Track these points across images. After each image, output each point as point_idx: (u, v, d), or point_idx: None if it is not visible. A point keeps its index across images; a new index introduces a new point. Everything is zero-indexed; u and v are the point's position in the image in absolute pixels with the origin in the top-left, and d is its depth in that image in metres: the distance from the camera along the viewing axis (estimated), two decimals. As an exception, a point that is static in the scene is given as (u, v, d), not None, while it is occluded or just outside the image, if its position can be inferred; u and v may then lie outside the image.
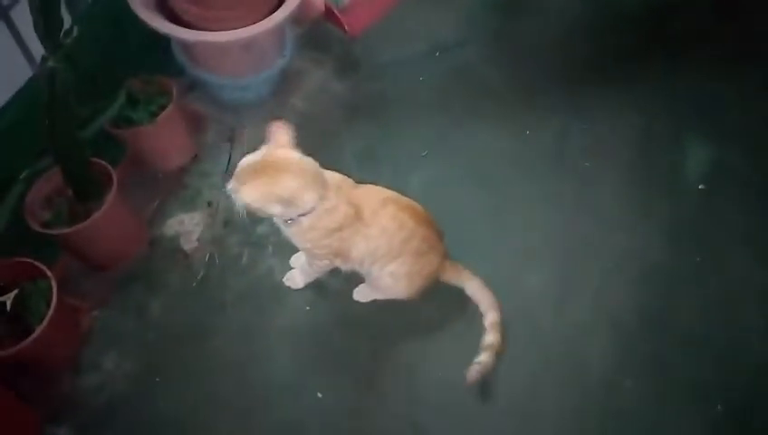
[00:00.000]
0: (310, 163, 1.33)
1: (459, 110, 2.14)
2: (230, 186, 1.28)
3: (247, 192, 1.26)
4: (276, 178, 1.26)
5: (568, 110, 2.14)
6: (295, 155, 1.31)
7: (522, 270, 1.78)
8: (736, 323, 1.70)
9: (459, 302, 1.67)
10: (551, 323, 1.69)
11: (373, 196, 1.46)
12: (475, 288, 1.61)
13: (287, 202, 1.27)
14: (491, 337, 1.53)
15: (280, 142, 1.31)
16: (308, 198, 1.30)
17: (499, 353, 1.53)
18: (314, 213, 1.35)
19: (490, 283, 1.66)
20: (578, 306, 1.72)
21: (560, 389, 1.59)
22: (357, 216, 1.41)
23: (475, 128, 2.09)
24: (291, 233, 1.43)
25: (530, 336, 1.66)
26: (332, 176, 1.41)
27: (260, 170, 1.27)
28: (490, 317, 1.56)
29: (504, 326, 1.57)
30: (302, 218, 1.36)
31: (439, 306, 1.68)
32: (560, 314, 1.70)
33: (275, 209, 1.29)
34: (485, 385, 1.56)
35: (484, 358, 1.50)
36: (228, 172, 1.72)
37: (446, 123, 2.10)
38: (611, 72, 2.26)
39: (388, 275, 1.51)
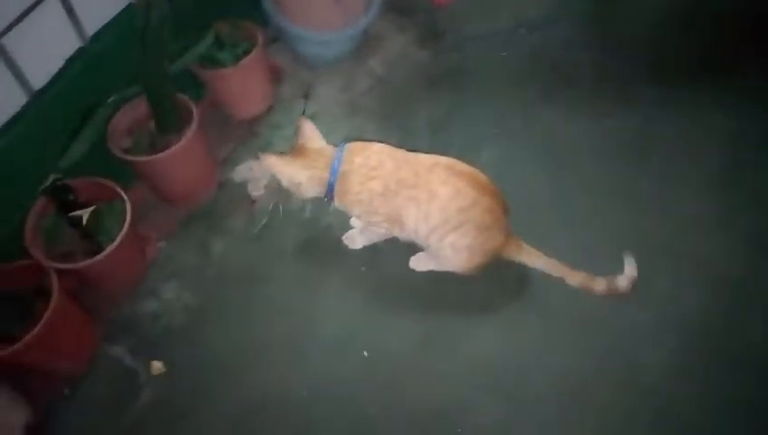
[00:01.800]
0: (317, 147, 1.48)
1: (538, 90, 2.08)
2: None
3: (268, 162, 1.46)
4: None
5: (653, 103, 2.03)
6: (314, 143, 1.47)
7: (585, 264, 1.69)
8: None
9: (518, 284, 1.64)
10: (611, 323, 1.61)
11: (420, 161, 1.45)
12: (543, 262, 1.53)
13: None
14: (600, 283, 1.50)
15: (306, 133, 1.47)
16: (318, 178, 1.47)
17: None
18: (336, 179, 1.44)
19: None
20: (641, 308, 1.63)
21: (612, 390, 1.52)
22: (398, 180, 1.42)
23: (551, 110, 2.02)
24: (337, 204, 1.51)
25: (588, 331, 1.60)
26: (366, 145, 1.47)
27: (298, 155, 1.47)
28: (575, 278, 1.51)
29: (563, 317, 1.52)
30: (333, 191, 1.47)
31: (497, 286, 1.64)
32: (620, 313, 1.62)
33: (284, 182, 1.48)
34: (530, 373, 1.52)
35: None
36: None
37: (523, 102, 2.04)
38: (703, 69, 2.13)
39: (449, 246, 1.48)
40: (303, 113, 1.94)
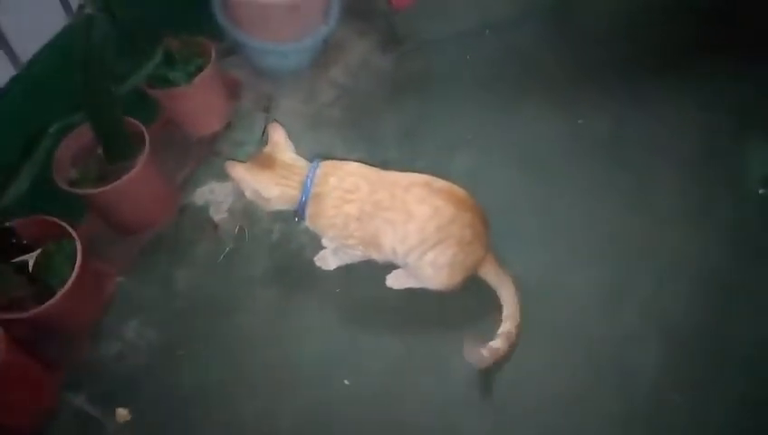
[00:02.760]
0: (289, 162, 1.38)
1: (508, 92, 2.03)
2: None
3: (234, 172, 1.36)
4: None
5: (626, 99, 2.01)
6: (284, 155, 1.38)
7: (568, 268, 1.67)
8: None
9: (497, 299, 1.57)
10: (598, 328, 1.58)
11: (395, 181, 1.38)
12: (506, 292, 1.50)
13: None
14: (499, 343, 1.44)
15: (275, 141, 1.39)
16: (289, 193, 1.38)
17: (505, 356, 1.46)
18: (309, 200, 1.37)
19: (533, 280, 1.58)
20: (627, 311, 1.60)
21: (606, 398, 1.48)
22: (374, 202, 1.35)
23: (523, 112, 1.97)
24: (310, 226, 1.44)
25: (575, 340, 1.56)
26: (340, 164, 1.41)
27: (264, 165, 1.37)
28: (507, 326, 1.47)
29: (548, 325, 1.47)
30: (306, 209, 1.39)
31: (477, 299, 1.57)
32: (608, 318, 1.59)
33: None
34: (517, 386, 1.47)
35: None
36: (263, 142, 1.64)
37: (494, 106, 1.99)
38: (675, 63, 2.12)
39: (429, 265, 1.42)
40: (264, 131, 1.84)
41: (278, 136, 1.39)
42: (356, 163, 1.41)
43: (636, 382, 1.51)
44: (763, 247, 1.73)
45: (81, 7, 1.28)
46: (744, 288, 1.65)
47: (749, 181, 1.86)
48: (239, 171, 1.35)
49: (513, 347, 1.46)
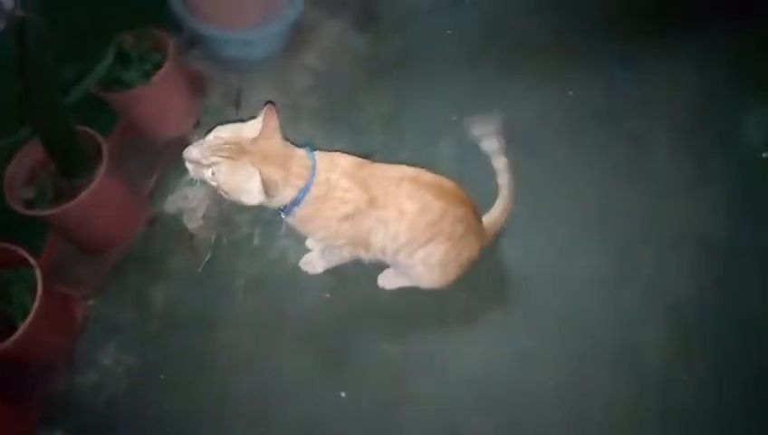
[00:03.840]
0: (285, 152, 1.16)
1: (493, 66, 1.91)
2: (200, 155, 1.11)
3: (220, 171, 1.11)
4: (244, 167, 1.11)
5: (616, 64, 1.91)
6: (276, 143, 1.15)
7: (567, 250, 1.60)
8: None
9: (495, 285, 1.52)
10: (602, 312, 1.51)
11: (385, 176, 1.25)
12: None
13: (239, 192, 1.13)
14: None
15: (269, 127, 1.14)
16: (286, 192, 1.17)
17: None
18: (304, 203, 1.19)
19: (531, 265, 1.53)
20: (630, 292, 1.54)
21: (613, 383, 1.42)
22: (368, 199, 1.22)
23: (511, 86, 1.86)
24: (293, 225, 1.27)
25: (579, 324, 1.50)
26: (331, 158, 1.23)
27: (238, 151, 1.11)
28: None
29: (551, 313, 1.42)
30: (295, 209, 1.20)
31: (474, 292, 1.51)
32: (611, 301, 1.53)
33: (251, 201, 1.15)
34: (525, 376, 1.41)
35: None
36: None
37: (479, 82, 1.88)
38: (667, 21, 2.01)
39: (420, 264, 1.33)
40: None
41: (273, 122, 1.15)
42: (349, 157, 1.26)
43: (643, 366, 1.45)
44: (766, 213, 1.65)
45: (13, 9, 1.14)
46: (748, 258, 1.58)
47: (749, 145, 1.78)
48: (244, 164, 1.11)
49: None
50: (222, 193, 1.15)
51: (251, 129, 1.14)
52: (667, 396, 1.41)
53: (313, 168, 1.18)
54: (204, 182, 1.15)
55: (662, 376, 1.43)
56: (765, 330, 1.48)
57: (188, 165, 1.14)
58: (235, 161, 1.10)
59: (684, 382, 1.42)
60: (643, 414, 1.39)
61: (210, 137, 1.14)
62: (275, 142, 1.15)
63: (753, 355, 1.44)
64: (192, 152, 1.12)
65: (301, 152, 1.19)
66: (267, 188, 1.11)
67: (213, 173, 1.11)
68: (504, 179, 1.44)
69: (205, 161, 1.11)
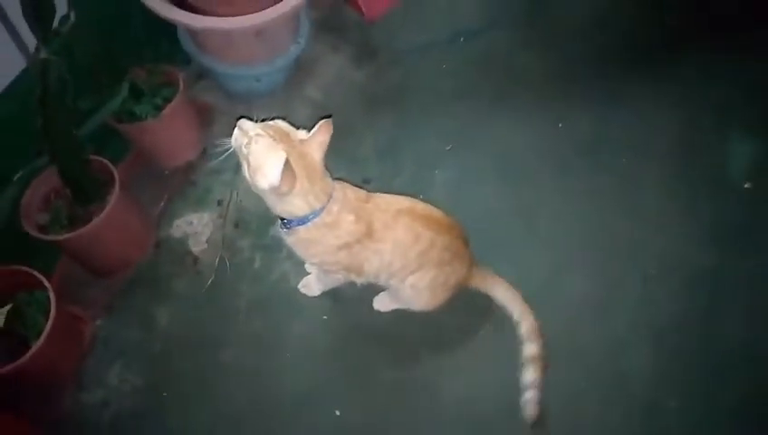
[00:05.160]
0: (318, 169, 1.21)
1: (486, 100, 2.00)
2: (250, 128, 1.16)
3: (257, 144, 1.14)
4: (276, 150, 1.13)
5: (604, 99, 1.99)
6: (317, 155, 1.20)
7: (556, 276, 1.65)
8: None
9: (485, 310, 1.56)
10: (589, 336, 1.56)
11: (385, 208, 1.31)
12: (504, 294, 1.49)
13: (273, 180, 1.12)
14: (532, 347, 1.41)
15: (318, 139, 1.19)
16: (296, 203, 1.20)
17: (545, 366, 1.40)
18: (312, 225, 1.24)
19: (521, 291, 1.55)
20: (618, 318, 1.59)
21: (601, 408, 1.47)
22: (367, 232, 1.28)
23: (503, 119, 1.94)
24: (291, 243, 1.32)
25: (567, 350, 1.53)
26: (343, 190, 1.28)
27: (282, 138, 1.16)
28: (526, 324, 1.44)
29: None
30: (299, 228, 1.25)
31: (465, 315, 1.57)
32: (599, 326, 1.58)
33: (262, 183, 1.15)
34: (514, 397, 1.44)
35: (531, 377, 1.39)
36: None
37: (472, 114, 1.96)
38: (651, 59, 2.10)
39: (409, 288, 1.40)
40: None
41: (324, 136, 1.19)
42: (355, 189, 1.31)
43: (630, 389, 1.49)
44: (750, 243, 1.72)
45: (36, 51, 1.23)
46: (733, 286, 1.63)
47: (733, 176, 1.84)
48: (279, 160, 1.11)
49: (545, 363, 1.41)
50: (244, 166, 1.17)
51: (301, 134, 1.21)
52: (654, 420, 1.45)
53: (331, 195, 1.24)
54: (237, 158, 1.20)
55: (649, 401, 1.47)
56: (747, 355, 1.52)
57: (236, 131, 1.18)
58: (274, 142, 1.14)
59: (670, 407, 1.46)
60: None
61: (267, 122, 1.20)
62: (317, 155, 1.19)
63: (737, 382, 1.48)
64: (246, 123, 1.18)
65: (329, 179, 1.24)
66: (284, 179, 1.11)
67: (250, 143, 1.14)
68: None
69: (252, 132, 1.15)
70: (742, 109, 1.97)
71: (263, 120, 1.21)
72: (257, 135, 1.15)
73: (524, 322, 1.44)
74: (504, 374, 1.48)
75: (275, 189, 1.14)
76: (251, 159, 1.15)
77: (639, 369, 1.51)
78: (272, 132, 1.16)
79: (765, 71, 2.03)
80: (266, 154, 1.13)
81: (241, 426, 1.45)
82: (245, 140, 1.16)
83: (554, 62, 2.08)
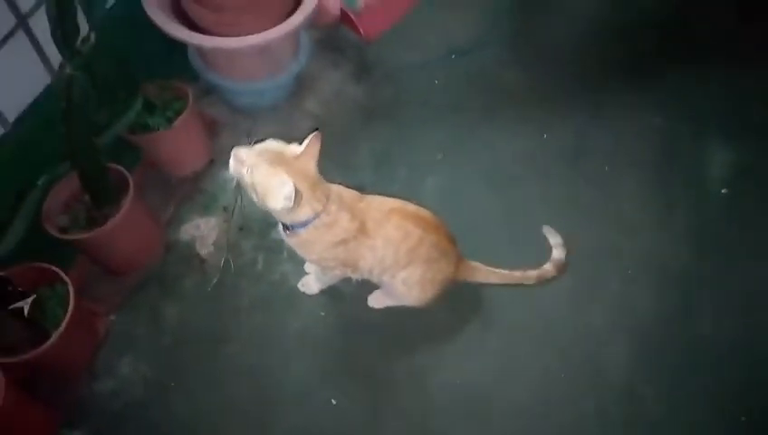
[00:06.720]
0: (316, 177, 1.32)
1: (475, 113, 2.12)
2: (245, 157, 1.25)
3: (258, 172, 1.24)
4: (279, 175, 1.24)
5: (587, 112, 2.10)
6: (312, 166, 1.31)
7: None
8: (761, 331, 1.65)
9: (474, 304, 1.66)
10: (568, 330, 1.66)
11: (377, 207, 1.43)
12: (495, 277, 1.64)
13: (279, 199, 1.24)
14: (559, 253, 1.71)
15: (311, 151, 1.29)
16: (303, 211, 1.31)
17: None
18: (312, 226, 1.35)
19: (505, 292, 1.67)
20: (596, 313, 1.69)
21: (577, 397, 1.56)
22: (361, 229, 1.39)
23: (491, 131, 2.06)
24: (293, 244, 1.43)
25: (547, 342, 1.64)
26: (338, 191, 1.39)
27: (278, 160, 1.25)
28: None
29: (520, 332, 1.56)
30: (301, 230, 1.35)
31: (454, 310, 1.67)
32: (578, 320, 1.68)
33: (274, 205, 1.26)
34: (500, 392, 1.55)
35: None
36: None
37: (462, 126, 2.08)
38: (632, 74, 2.22)
39: (401, 283, 1.50)
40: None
41: (315, 148, 1.29)
42: (350, 191, 1.42)
43: (608, 381, 1.58)
44: (726, 246, 1.81)
45: (61, 67, 1.36)
46: (708, 286, 1.73)
47: (710, 182, 1.95)
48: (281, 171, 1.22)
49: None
50: (250, 191, 1.28)
51: (293, 149, 1.29)
52: (632, 410, 1.54)
53: (329, 197, 1.35)
54: (238, 183, 1.31)
55: (625, 392, 1.56)
56: (718, 348, 1.62)
57: (231, 161, 1.27)
58: (273, 167, 1.24)
59: (646, 397, 1.55)
60: (608, 428, 1.52)
61: (259, 145, 1.28)
62: (312, 165, 1.29)
63: (712, 373, 1.59)
64: (241, 151, 1.27)
65: (326, 183, 1.35)
66: (294, 199, 1.23)
67: (250, 171, 1.24)
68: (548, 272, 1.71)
69: (248, 160, 1.25)
70: (719, 118, 2.07)
71: (256, 142, 1.30)
72: (254, 164, 1.24)
73: (526, 279, 1.67)
74: (486, 369, 1.60)
75: (287, 209, 1.26)
76: (258, 188, 1.25)
77: (615, 361, 1.60)
78: (266, 157, 1.25)
79: (740, 81, 2.14)
80: (270, 181, 1.24)
81: (243, 415, 1.54)
82: (244, 169, 1.26)
83: (539, 77, 2.20)
